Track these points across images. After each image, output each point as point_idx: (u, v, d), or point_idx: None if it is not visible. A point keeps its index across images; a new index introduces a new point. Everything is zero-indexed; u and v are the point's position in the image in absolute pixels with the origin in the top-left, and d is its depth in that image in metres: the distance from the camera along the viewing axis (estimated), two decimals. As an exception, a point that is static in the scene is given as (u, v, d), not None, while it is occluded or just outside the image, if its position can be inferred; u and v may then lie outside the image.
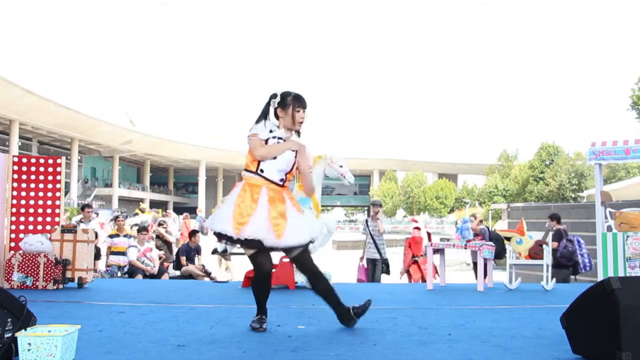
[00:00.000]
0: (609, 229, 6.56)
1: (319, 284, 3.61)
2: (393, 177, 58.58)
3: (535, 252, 6.69)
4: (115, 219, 10.89)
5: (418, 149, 64.23)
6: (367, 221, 9.30)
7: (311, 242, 3.53)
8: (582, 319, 2.75)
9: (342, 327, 3.67)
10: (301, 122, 3.55)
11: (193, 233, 10.67)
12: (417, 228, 9.51)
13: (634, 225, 6.27)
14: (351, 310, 3.56)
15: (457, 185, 58.66)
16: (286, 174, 3.54)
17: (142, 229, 10.09)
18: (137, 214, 17.43)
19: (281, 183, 3.51)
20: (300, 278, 6.39)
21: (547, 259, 6.62)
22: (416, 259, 9.09)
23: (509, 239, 6.88)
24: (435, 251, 7.10)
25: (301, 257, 3.55)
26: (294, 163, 3.55)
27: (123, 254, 9.30)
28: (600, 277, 6.05)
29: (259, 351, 2.95)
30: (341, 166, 6.53)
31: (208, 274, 9.80)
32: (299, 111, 3.53)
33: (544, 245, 6.68)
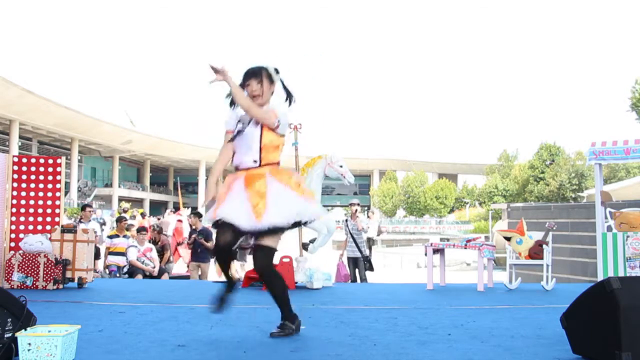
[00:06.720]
0: (609, 229, 6.56)
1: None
2: (393, 177, 58.56)
3: (535, 252, 6.69)
4: (119, 219, 10.87)
5: (418, 149, 64.20)
6: (347, 220, 9.51)
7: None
8: (582, 319, 2.75)
9: (341, 327, 3.66)
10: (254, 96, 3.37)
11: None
12: (180, 220, 12.23)
13: (634, 225, 6.27)
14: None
15: (457, 185, 58.65)
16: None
17: (142, 229, 10.09)
18: (134, 216, 17.10)
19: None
20: (300, 278, 6.38)
21: (547, 259, 6.62)
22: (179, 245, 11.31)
23: (509, 239, 6.87)
24: (435, 251, 7.09)
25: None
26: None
27: (122, 254, 9.30)
28: (600, 277, 6.05)
29: (259, 351, 2.95)
30: (341, 166, 6.54)
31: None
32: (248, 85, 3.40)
33: (544, 245, 6.67)
